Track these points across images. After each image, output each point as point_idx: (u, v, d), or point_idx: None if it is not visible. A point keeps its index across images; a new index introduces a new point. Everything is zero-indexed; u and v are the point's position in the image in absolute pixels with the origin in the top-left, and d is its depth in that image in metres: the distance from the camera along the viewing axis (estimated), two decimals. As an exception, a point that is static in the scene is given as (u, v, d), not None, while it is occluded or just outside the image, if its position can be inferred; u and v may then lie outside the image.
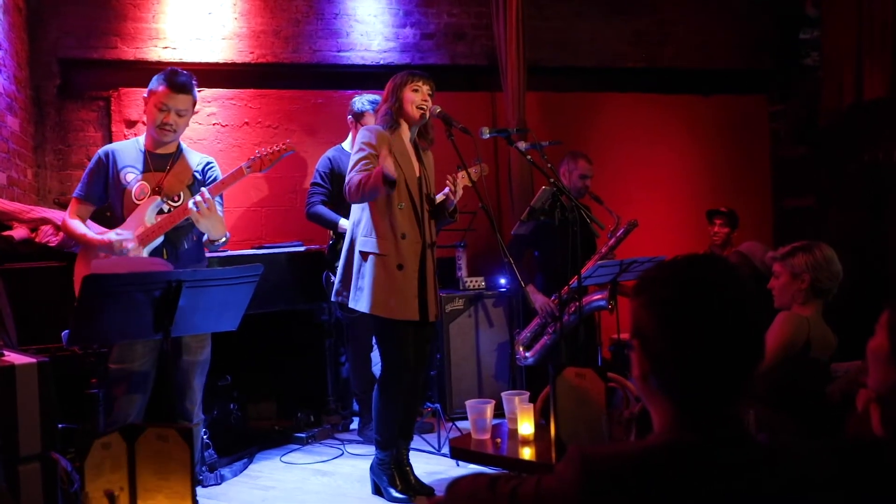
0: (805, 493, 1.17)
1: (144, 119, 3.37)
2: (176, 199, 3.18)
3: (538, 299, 4.48)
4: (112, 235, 3.05)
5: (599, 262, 4.18)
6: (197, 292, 2.58)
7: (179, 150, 3.28)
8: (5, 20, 4.29)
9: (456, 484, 1.50)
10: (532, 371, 4.58)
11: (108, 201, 3.21)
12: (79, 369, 3.35)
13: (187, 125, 3.30)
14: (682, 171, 6.02)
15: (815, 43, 5.73)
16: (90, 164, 3.21)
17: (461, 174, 3.53)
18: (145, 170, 3.16)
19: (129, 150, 3.22)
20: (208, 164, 3.34)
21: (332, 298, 3.51)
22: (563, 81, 5.75)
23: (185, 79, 3.17)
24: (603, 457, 1.21)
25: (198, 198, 2.97)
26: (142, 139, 3.26)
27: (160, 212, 3.12)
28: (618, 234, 4.55)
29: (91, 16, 4.92)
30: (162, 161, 3.21)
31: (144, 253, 3.06)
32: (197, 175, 3.27)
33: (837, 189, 5.47)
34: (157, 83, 3.16)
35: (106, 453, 1.80)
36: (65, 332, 2.74)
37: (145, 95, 3.19)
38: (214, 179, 3.32)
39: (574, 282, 3.91)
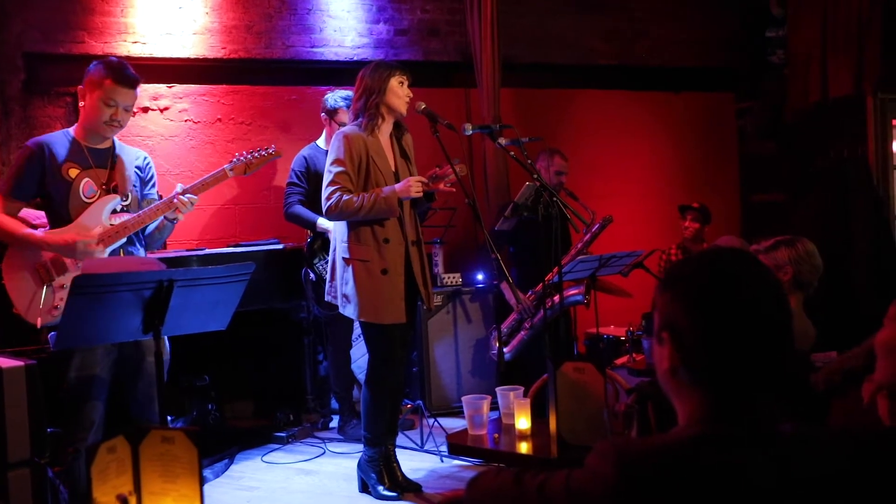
0: (837, 484, 1.20)
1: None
2: (126, 197, 3.03)
3: (517, 294, 4.52)
4: (73, 235, 2.85)
5: (580, 258, 4.22)
6: (188, 291, 2.53)
7: (114, 144, 3.09)
8: (-31, 13, 4.15)
9: (477, 480, 1.49)
10: (508, 366, 4.60)
11: (39, 198, 2.96)
12: (53, 372, 3.26)
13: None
14: (654, 167, 6.11)
15: (782, 41, 5.86)
16: (22, 157, 2.94)
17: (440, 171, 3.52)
18: (86, 165, 2.96)
19: (62, 143, 2.97)
20: (146, 160, 3.20)
21: (326, 298, 3.49)
22: (537, 78, 5.78)
23: (133, 73, 2.99)
24: (638, 450, 1.22)
25: (194, 197, 2.94)
26: (72, 131, 3.03)
27: (113, 211, 2.97)
28: (593, 230, 4.61)
29: (57, 9, 4.77)
30: (102, 156, 3.01)
31: (105, 254, 2.91)
32: (138, 172, 3.12)
33: (804, 184, 5.60)
34: (100, 75, 2.93)
35: (111, 457, 1.76)
36: (51, 335, 2.67)
37: (81, 87, 2.98)
38: (153, 176, 3.21)
39: (555, 276, 3.94)
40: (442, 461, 3.85)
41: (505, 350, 4.59)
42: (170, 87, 5.01)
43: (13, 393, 2.31)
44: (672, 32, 6.04)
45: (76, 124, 3.06)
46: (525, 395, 2.84)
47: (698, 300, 1.23)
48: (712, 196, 5.73)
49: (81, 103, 3.02)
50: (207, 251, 4.22)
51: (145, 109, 4.95)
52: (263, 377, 4.75)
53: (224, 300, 2.69)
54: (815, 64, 5.45)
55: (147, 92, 4.95)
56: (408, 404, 4.60)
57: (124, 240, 2.97)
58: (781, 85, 5.80)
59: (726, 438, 1.21)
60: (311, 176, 4.32)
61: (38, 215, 3.19)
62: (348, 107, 4.06)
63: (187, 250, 4.34)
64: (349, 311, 3.33)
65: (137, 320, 2.51)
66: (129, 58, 4.79)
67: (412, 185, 3.26)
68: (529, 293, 4.55)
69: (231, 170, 3.13)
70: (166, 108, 5.00)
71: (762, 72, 6.05)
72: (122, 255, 2.98)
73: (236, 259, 3.96)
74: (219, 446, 4.03)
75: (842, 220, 5.30)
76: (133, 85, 2.98)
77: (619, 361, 4.30)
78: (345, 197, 3.25)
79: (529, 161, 3.71)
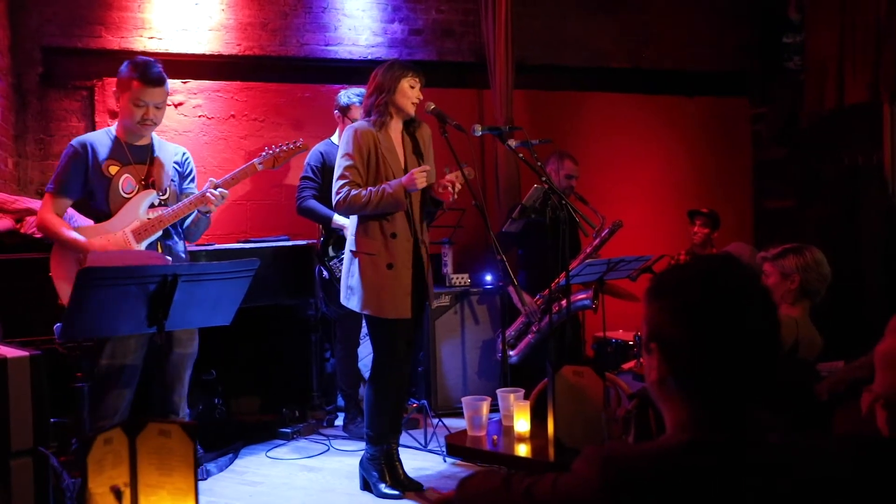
0: (824, 492, 1.20)
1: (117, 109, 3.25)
2: (164, 192, 3.14)
3: (524, 298, 4.50)
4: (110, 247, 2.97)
5: (588, 261, 4.21)
6: (192, 286, 2.56)
7: (153, 141, 3.21)
8: (-13, 6, 4.20)
9: (467, 481, 1.50)
10: (515, 369, 4.60)
11: (85, 195, 3.10)
12: (63, 363, 3.30)
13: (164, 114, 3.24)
14: (666, 172, 6.07)
15: (799, 47, 5.81)
16: (66, 157, 3.08)
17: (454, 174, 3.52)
18: (126, 162, 3.09)
19: (104, 141, 3.12)
20: (185, 155, 3.31)
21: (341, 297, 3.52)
22: (550, 80, 5.77)
23: (158, 71, 3.09)
24: (624, 456, 1.22)
25: (224, 191, 3.02)
26: (113, 129, 3.18)
27: (151, 205, 3.08)
28: (602, 235, 4.59)
29: (74, 3, 4.83)
30: (141, 153, 3.14)
31: (142, 247, 3.03)
32: (177, 167, 3.24)
33: (817, 191, 5.56)
34: (128, 76, 3.05)
35: (108, 449, 1.78)
36: (57, 326, 2.70)
37: (115, 88, 3.12)
38: (192, 171, 3.32)
39: (562, 280, 3.94)
40: (445, 461, 3.85)
41: (512, 353, 4.58)
42: (184, 82, 5.05)
43: (17, 383, 2.33)
44: (686, 36, 6.01)
45: (117, 123, 3.17)
46: (526, 397, 2.83)
47: (687, 312, 1.22)
48: (724, 202, 5.69)
49: (118, 106, 3.14)
50: (217, 246, 4.25)
51: (159, 104, 4.99)
52: (270, 373, 4.77)
53: (228, 296, 2.71)
54: (831, 70, 5.40)
55: (161, 87, 4.99)
56: (413, 403, 4.61)
57: (160, 233, 3.07)
58: (797, 90, 5.75)
59: (714, 445, 1.21)
60: (326, 171, 4.32)
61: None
62: (361, 103, 4.07)
63: (197, 245, 4.35)
64: (353, 303, 3.34)
65: (142, 314, 2.53)
66: (144, 53, 4.85)
67: (417, 177, 3.27)
68: (537, 297, 4.54)
69: (260, 163, 3.22)
70: (180, 104, 5.04)
71: (777, 77, 6.00)
72: (158, 248, 3.09)
73: (245, 255, 3.98)
74: (224, 441, 4.05)
75: (853, 227, 5.25)
76: (159, 83, 3.07)
77: (627, 366, 4.28)
78: (353, 192, 3.28)
79: (539, 163, 3.70)
